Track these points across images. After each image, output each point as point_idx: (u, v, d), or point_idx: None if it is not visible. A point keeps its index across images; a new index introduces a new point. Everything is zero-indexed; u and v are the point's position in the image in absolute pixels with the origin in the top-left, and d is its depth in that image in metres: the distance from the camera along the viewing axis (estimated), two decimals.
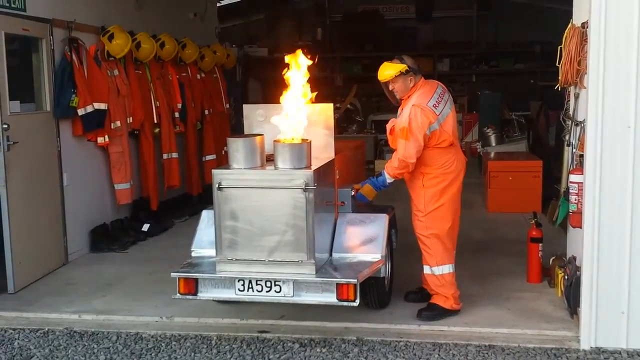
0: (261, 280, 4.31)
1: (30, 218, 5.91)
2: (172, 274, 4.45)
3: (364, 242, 4.72)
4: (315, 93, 4.75)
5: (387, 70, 4.84)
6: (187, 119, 8.72)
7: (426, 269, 4.91)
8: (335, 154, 4.91)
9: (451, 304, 4.86)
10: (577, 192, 4.54)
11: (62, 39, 6.52)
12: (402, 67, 4.80)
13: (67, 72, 6.46)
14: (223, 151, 8.99)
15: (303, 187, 4.24)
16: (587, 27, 4.35)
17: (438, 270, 4.85)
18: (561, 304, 4.99)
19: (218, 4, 11.45)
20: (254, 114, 5.00)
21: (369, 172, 6.18)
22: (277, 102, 4.67)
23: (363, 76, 15.10)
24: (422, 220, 4.84)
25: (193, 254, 4.79)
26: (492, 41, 14.82)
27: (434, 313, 4.83)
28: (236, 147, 4.42)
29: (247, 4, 14.21)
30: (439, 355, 4.31)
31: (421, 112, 4.68)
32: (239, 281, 4.34)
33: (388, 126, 5.04)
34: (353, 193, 4.94)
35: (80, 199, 6.77)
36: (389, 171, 4.85)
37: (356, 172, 5.66)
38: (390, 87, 4.89)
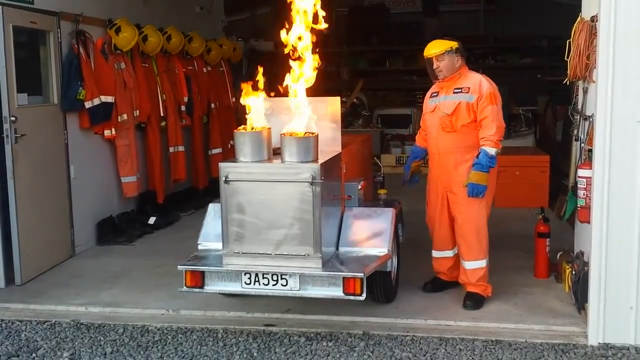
0: (267, 274, 4.31)
1: (37, 210, 5.92)
2: (178, 266, 4.45)
3: (370, 236, 4.71)
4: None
5: (436, 46, 4.83)
6: (193, 112, 8.73)
7: (473, 264, 4.88)
8: (342, 148, 4.90)
9: (489, 291, 4.95)
10: (585, 187, 4.52)
11: (70, 32, 6.53)
12: (452, 44, 4.80)
13: (75, 65, 6.46)
14: (229, 144, 8.99)
15: (310, 180, 4.23)
16: (597, 21, 4.32)
17: (486, 261, 4.90)
18: (568, 300, 4.97)
19: None
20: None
21: (376, 166, 6.15)
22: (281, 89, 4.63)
23: (369, 70, 15.05)
24: (480, 209, 4.81)
25: (199, 247, 4.79)
26: (499, 35, 14.76)
27: (477, 302, 4.89)
28: (243, 141, 4.42)
29: None
30: (445, 350, 4.30)
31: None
32: (245, 274, 4.34)
33: (442, 106, 4.82)
34: (464, 185, 4.70)
35: (87, 192, 6.78)
36: (489, 143, 4.64)
37: (363, 166, 5.65)
38: (435, 65, 4.85)
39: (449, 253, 5.09)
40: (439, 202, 5.01)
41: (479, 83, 4.78)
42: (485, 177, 4.67)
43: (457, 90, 4.80)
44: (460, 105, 4.75)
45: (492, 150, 4.70)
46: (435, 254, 5.19)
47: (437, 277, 5.26)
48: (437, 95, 4.93)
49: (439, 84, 4.93)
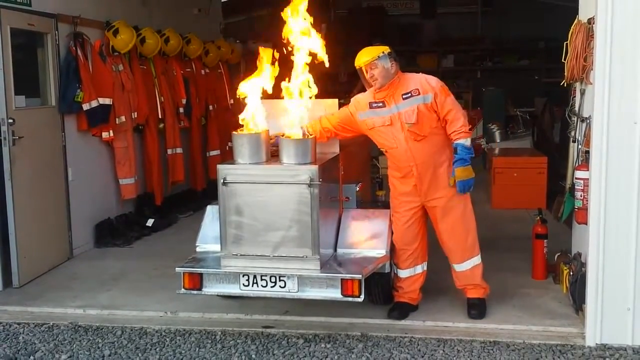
0: (266, 276, 4.32)
1: (35, 212, 5.91)
2: (176, 269, 4.46)
3: (368, 237, 4.72)
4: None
5: (366, 54, 4.58)
6: (191, 114, 8.73)
7: (470, 263, 4.76)
8: (339, 150, 4.91)
9: (488, 290, 4.88)
10: (582, 188, 4.53)
11: (67, 34, 6.53)
12: (383, 49, 4.57)
13: (72, 67, 6.47)
14: (227, 146, 8.99)
15: (308, 182, 4.24)
16: (594, 23, 4.34)
17: (480, 258, 4.82)
18: (566, 301, 4.98)
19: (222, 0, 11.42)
20: None
21: (374, 168, 6.16)
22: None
23: None
24: (466, 205, 4.71)
25: (198, 249, 4.80)
26: (496, 37, 14.80)
27: (481, 309, 4.80)
28: (241, 142, 4.42)
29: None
30: (443, 351, 4.31)
31: None
32: (243, 276, 4.35)
33: (401, 116, 4.50)
34: (452, 184, 4.54)
35: (85, 194, 6.77)
36: (463, 135, 4.46)
37: (361, 168, 5.66)
38: (369, 75, 4.54)
39: (419, 269, 4.82)
40: (413, 216, 4.71)
41: (425, 81, 4.54)
42: (470, 170, 4.53)
43: (407, 96, 4.49)
44: (420, 109, 4.46)
45: (467, 142, 4.52)
46: (405, 273, 4.81)
47: (404, 302, 4.86)
48: (383, 106, 4.57)
49: (378, 94, 4.58)
